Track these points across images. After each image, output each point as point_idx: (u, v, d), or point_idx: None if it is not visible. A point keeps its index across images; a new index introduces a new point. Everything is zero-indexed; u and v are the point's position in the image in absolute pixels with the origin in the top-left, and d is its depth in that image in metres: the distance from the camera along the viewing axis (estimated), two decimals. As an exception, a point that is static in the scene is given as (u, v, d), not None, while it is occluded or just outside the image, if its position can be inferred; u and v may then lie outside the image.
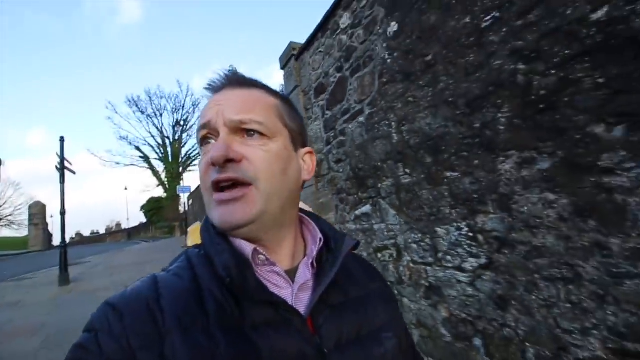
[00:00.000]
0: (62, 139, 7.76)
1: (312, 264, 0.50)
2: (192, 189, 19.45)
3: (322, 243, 0.52)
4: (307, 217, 0.56)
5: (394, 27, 2.42)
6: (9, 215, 37.83)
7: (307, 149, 0.54)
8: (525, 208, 1.63)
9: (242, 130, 0.46)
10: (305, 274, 0.49)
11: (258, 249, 0.45)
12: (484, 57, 1.78)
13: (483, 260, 1.86)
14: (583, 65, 1.39)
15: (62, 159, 7.71)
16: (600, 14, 1.34)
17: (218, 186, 0.45)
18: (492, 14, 1.72)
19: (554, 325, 1.54)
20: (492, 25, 1.73)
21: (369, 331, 0.50)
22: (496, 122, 1.74)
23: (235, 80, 0.50)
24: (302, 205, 0.63)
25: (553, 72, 1.49)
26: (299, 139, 0.52)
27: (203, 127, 0.47)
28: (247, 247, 0.45)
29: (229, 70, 0.52)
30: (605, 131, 1.34)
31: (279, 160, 0.47)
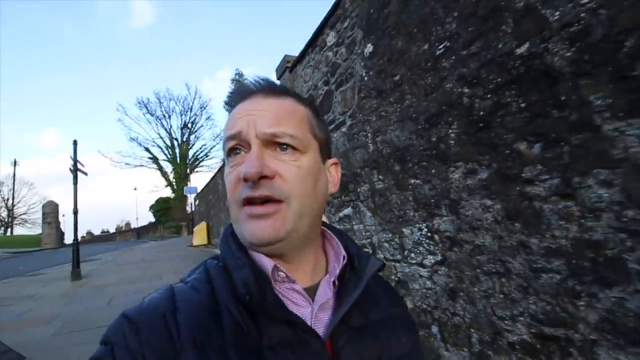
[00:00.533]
0: (75, 143, 8.21)
1: (333, 282, 0.49)
2: (199, 190, 19.94)
3: (345, 261, 0.50)
4: (329, 232, 0.55)
5: (369, 48, 2.69)
6: (24, 214, 39.18)
7: (332, 160, 0.53)
8: (470, 212, 1.88)
9: (274, 143, 0.44)
10: (326, 292, 0.47)
11: (278, 265, 0.44)
12: (438, 80, 2.05)
13: (439, 257, 2.12)
14: (510, 91, 1.65)
15: (75, 161, 8.14)
16: (523, 49, 1.59)
17: (249, 201, 0.43)
18: (444, 44, 1.99)
19: (491, 313, 1.79)
20: (444, 53, 1.99)
21: (390, 357, 0.47)
22: (448, 137, 2.00)
23: (267, 88, 0.48)
24: None
25: (489, 96, 1.75)
26: (326, 150, 0.51)
27: (232, 137, 0.45)
28: (267, 263, 0.44)
29: (260, 77, 0.50)
30: (527, 148, 1.60)
31: (310, 175, 0.46)
